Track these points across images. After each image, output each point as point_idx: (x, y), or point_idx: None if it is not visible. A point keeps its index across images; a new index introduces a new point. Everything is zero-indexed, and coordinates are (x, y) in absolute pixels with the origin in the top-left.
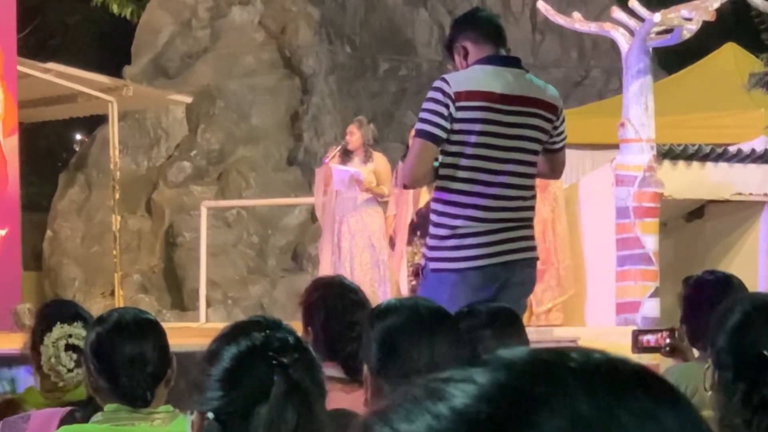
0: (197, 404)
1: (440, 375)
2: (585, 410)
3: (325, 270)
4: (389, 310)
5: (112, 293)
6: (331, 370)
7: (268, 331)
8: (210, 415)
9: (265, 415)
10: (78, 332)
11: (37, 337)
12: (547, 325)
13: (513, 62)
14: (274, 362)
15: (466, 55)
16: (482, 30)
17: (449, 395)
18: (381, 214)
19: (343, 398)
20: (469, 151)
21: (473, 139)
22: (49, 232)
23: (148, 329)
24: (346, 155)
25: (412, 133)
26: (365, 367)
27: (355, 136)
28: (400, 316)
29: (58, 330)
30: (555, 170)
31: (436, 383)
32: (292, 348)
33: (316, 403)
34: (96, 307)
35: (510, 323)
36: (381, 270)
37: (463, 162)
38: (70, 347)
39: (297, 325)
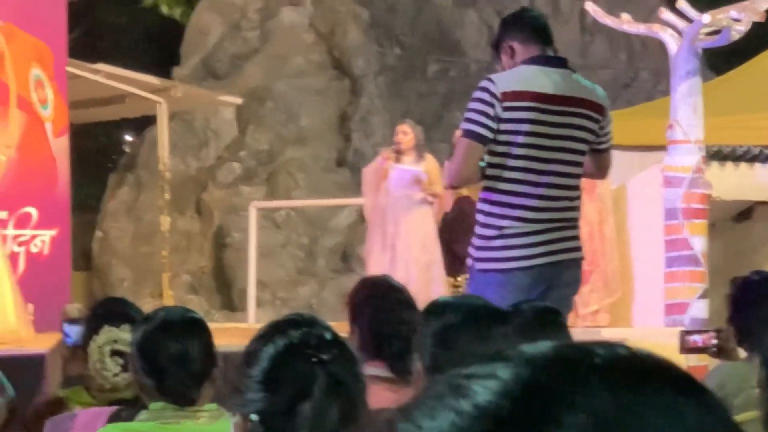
0: (238, 406)
1: (463, 371)
2: (607, 406)
3: (373, 269)
4: (445, 307)
5: (161, 294)
6: (377, 369)
7: (304, 329)
8: (254, 417)
9: (308, 413)
10: (124, 337)
11: (87, 337)
12: (593, 326)
13: (560, 62)
14: (313, 359)
15: (513, 55)
16: (529, 30)
17: (472, 392)
18: (431, 214)
19: (389, 397)
20: (516, 151)
21: (520, 139)
22: (98, 233)
23: (194, 328)
24: (397, 155)
25: (457, 133)
26: (418, 364)
27: (408, 136)
28: (456, 313)
29: (105, 335)
30: (601, 170)
31: (459, 379)
32: (330, 344)
33: (357, 398)
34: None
35: (554, 323)
36: (435, 270)
37: (510, 162)
38: (115, 353)
39: (344, 325)
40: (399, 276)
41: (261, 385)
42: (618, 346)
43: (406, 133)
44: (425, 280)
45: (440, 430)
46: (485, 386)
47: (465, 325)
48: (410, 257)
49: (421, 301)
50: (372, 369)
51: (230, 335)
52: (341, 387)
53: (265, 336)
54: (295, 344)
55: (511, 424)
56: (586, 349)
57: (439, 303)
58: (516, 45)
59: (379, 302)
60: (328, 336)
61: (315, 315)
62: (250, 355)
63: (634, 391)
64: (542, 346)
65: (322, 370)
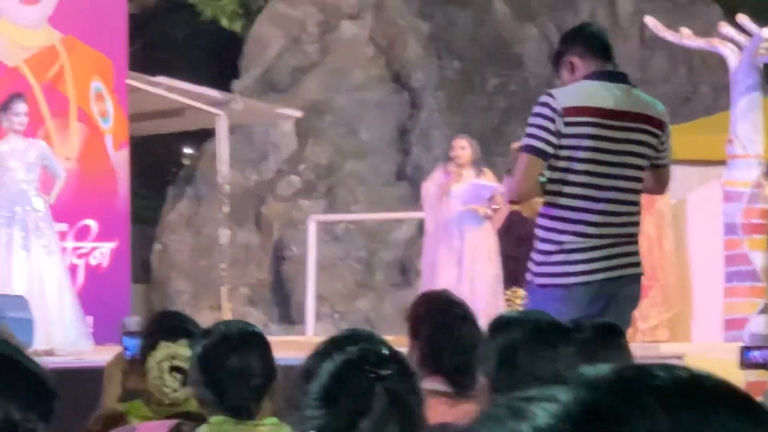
0: (296, 423)
1: (523, 394)
2: (666, 429)
3: (438, 283)
4: (510, 322)
5: (220, 307)
6: (435, 384)
7: (362, 345)
8: None
9: (368, 429)
10: (182, 353)
11: (145, 352)
12: (652, 341)
13: (620, 77)
14: (372, 375)
15: (573, 70)
16: (590, 45)
17: (532, 414)
18: (493, 228)
19: (448, 412)
20: (577, 167)
21: (581, 154)
22: (158, 245)
23: (254, 342)
24: (457, 170)
25: (513, 147)
26: (482, 379)
27: (466, 151)
28: (522, 329)
29: (163, 350)
30: (660, 186)
31: (519, 402)
32: (388, 360)
33: (416, 414)
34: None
35: (614, 338)
36: (498, 283)
37: (571, 178)
38: (173, 368)
39: (403, 339)
40: (465, 290)
41: (319, 401)
42: (678, 368)
43: (464, 148)
44: (491, 293)
45: None
46: (545, 409)
47: (530, 342)
48: (477, 271)
49: (489, 315)
50: (431, 383)
51: (289, 348)
52: (400, 403)
53: (323, 352)
54: (353, 360)
55: None
56: (646, 372)
57: (505, 318)
58: (576, 60)
59: (438, 317)
60: (385, 351)
61: (372, 330)
62: (307, 372)
63: (693, 413)
64: (602, 369)
65: (381, 386)
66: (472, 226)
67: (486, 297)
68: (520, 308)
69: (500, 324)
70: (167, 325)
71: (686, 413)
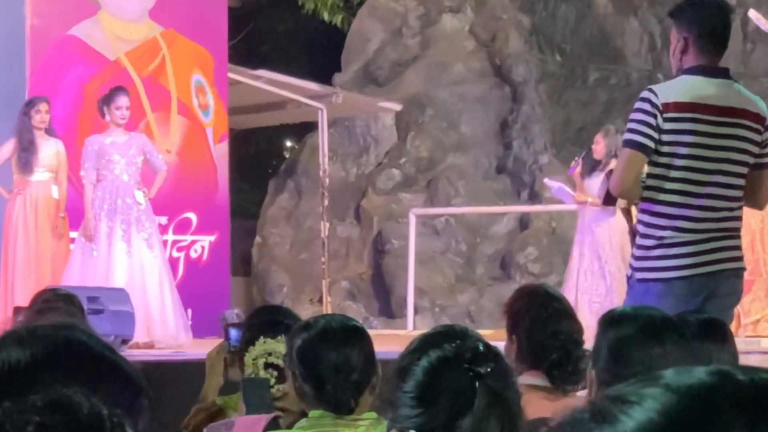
0: (392, 422)
1: (611, 393)
2: None
3: (573, 278)
4: (623, 317)
5: (320, 300)
6: (535, 379)
7: (458, 341)
8: None
9: (468, 428)
10: (279, 349)
11: (243, 346)
12: (755, 335)
13: (721, 72)
14: (470, 373)
15: (684, 49)
16: (708, 30)
17: (615, 419)
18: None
19: (547, 406)
20: (678, 162)
21: (683, 150)
22: (258, 238)
23: (354, 336)
24: (591, 165)
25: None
26: (592, 373)
27: (600, 146)
28: (634, 324)
29: (260, 347)
30: (759, 193)
31: (604, 404)
32: (484, 356)
33: (515, 410)
34: (304, 314)
35: (719, 334)
36: (608, 281)
37: (672, 174)
38: (269, 365)
39: (502, 333)
40: (600, 285)
41: (416, 400)
42: (762, 372)
43: (598, 143)
44: (596, 288)
45: None
46: (629, 415)
47: (641, 337)
48: (608, 267)
49: (604, 309)
50: (530, 378)
51: (389, 342)
52: (499, 400)
53: (419, 349)
54: (449, 357)
55: None
56: (731, 378)
57: (617, 313)
58: (691, 41)
59: (537, 311)
60: (482, 348)
61: (467, 327)
62: (402, 370)
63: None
64: (690, 374)
65: (480, 384)
66: (601, 221)
67: (618, 293)
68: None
69: (612, 319)
70: (266, 320)
71: (763, 424)
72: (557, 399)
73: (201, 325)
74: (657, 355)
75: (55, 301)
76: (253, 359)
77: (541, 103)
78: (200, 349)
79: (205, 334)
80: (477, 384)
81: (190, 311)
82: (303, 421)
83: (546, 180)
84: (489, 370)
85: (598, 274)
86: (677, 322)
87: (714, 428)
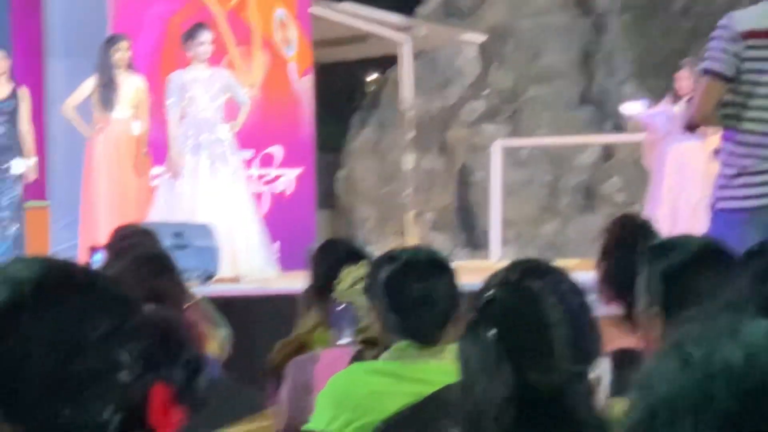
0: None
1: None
2: None
3: (653, 212)
4: (676, 246)
5: (405, 232)
6: (619, 310)
7: (535, 274)
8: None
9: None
10: (363, 274)
11: (325, 279)
12: None
13: None
14: (551, 302)
15: None
16: None
17: (691, 359)
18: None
19: (628, 338)
20: (760, 90)
21: (765, 78)
22: (342, 172)
23: (439, 268)
24: (674, 99)
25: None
26: (644, 303)
27: (684, 81)
28: (685, 253)
29: (348, 275)
30: None
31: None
32: (566, 289)
33: (594, 343)
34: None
35: None
36: (691, 209)
37: (754, 102)
38: (358, 293)
39: (588, 263)
40: (683, 214)
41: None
42: None
43: (681, 79)
44: (693, 215)
45: (669, 392)
46: (708, 359)
47: (695, 266)
48: (691, 196)
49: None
50: (614, 309)
51: (474, 274)
52: (578, 329)
53: (492, 282)
54: (527, 289)
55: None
56: None
57: (668, 242)
58: None
59: (628, 242)
60: (559, 277)
61: (546, 259)
62: (478, 301)
63: None
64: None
65: (560, 316)
66: (681, 149)
67: (686, 218)
68: None
69: (662, 248)
70: (346, 251)
71: None
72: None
73: (287, 258)
74: (714, 285)
75: (133, 237)
76: (343, 289)
77: (625, 32)
78: (287, 282)
79: (292, 268)
80: (555, 316)
81: (276, 245)
82: (388, 353)
83: (625, 105)
84: (565, 297)
85: (682, 204)
86: (733, 251)
87: None
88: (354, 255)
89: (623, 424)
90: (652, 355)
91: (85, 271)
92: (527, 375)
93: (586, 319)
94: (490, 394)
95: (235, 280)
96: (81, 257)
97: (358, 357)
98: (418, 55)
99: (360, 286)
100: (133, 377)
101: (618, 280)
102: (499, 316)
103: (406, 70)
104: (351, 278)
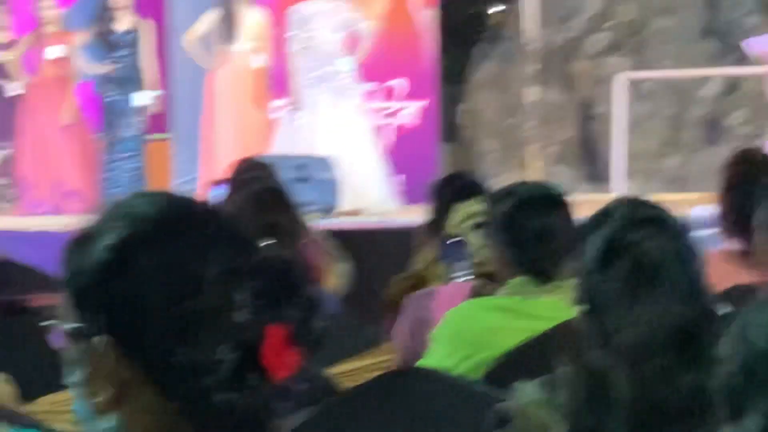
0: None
1: None
2: None
3: None
4: None
5: (527, 165)
6: (738, 245)
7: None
8: None
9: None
10: (481, 210)
11: (438, 215)
12: None
13: None
14: (645, 240)
15: None
16: None
17: None
18: None
19: (746, 274)
20: None
21: None
22: (465, 105)
23: (556, 203)
24: None
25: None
26: (763, 238)
27: None
28: None
29: (462, 210)
30: None
31: None
32: (666, 227)
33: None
34: (511, 180)
35: None
36: None
37: None
38: (477, 226)
39: (709, 197)
40: None
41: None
42: None
43: None
44: None
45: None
46: None
47: None
48: None
49: None
50: (733, 243)
51: (596, 207)
52: (679, 269)
53: (595, 221)
54: (625, 226)
55: None
56: None
57: None
58: None
59: (748, 177)
60: (661, 216)
61: (646, 198)
62: (583, 236)
63: None
64: None
65: (657, 252)
66: None
67: None
68: None
69: None
70: (462, 185)
71: None
72: (754, 266)
73: (411, 192)
74: None
75: (252, 170)
76: (457, 222)
77: None
78: (409, 216)
79: (415, 201)
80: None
81: (400, 177)
82: (505, 288)
83: (746, 42)
84: (665, 239)
85: None
86: None
87: None
88: (472, 190)
89: (716, 375)
90: (751, 304)
91: (205, 207)
92: (670, 308)
93: (698, 258)
94: (631, 328)
95: (355, 213)
96: (201, 191)
97: (475, 292)
98: None
99: (472, 222)
100: (248, 317)
101: (738, 215)
102: (630, 252)
103: (530, 2)
104: (463, 214)
